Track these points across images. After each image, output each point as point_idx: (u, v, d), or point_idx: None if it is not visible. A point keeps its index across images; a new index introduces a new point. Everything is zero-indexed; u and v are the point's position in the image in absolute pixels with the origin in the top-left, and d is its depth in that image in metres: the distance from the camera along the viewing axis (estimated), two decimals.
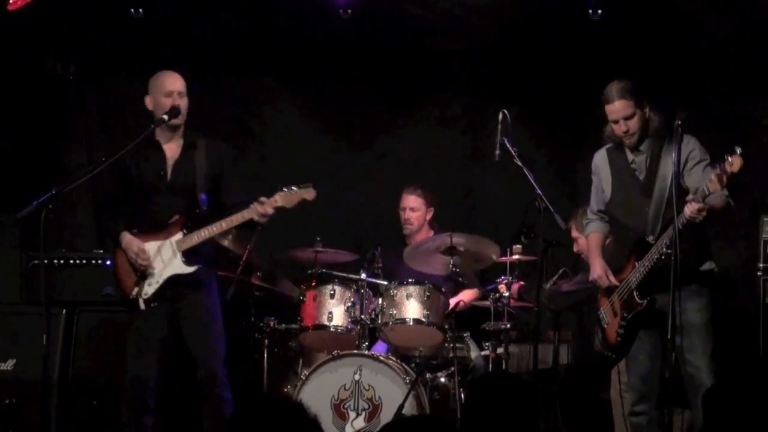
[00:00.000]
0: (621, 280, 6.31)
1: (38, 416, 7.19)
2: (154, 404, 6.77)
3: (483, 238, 7.75)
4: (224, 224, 6.68)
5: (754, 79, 8.39)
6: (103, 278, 8.11)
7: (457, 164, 9.19)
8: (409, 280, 7.59)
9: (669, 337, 5.72)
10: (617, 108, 6.30)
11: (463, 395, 7.25)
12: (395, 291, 7.54)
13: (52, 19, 8.64)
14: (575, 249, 7.71)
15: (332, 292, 7.55)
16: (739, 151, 5.67)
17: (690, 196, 5.89)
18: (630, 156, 6.39)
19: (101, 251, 8.30)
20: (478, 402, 4.51)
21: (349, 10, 8.53)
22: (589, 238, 6.67)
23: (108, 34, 8.92)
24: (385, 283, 7.69)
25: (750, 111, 8.57)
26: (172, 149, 6.82)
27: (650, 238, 6.16)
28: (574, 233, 7.62)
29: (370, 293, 7.68)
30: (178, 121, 6.76)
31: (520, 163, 6.78)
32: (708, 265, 6.25)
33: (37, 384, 6.72)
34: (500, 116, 6.86)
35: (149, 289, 6.73)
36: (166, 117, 6.60)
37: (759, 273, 7.54)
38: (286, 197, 6.65)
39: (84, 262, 8.14)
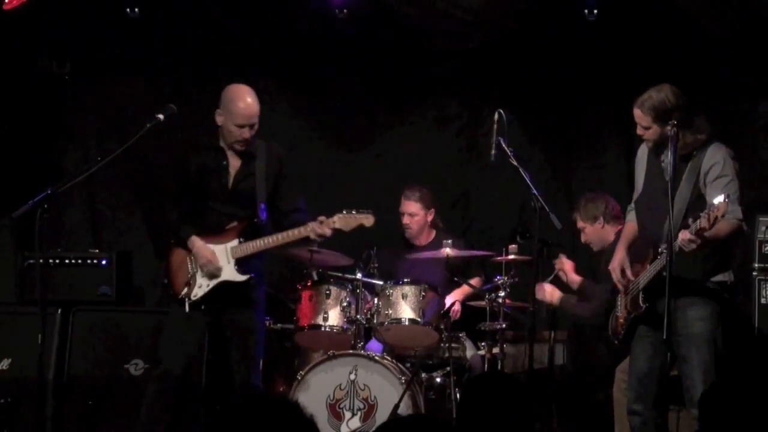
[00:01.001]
0: (636, 275, 6.31)
1: (34, 416, 7.18)
2: (175, 402, 6.81)
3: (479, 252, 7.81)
4: (280, 238, 6.75)
5: (748, 79, 8.39)
6: (98, 278, 8.14)
7: (453, 164, 9.19)
8: (405, 280, 7.60)
9: (665, 338, 5.71)
10: (634, 114, 6.30)
11: (458, 395, 7.25)
12: (391, 291, 7.55)
13: (48, 18, 8.63)
14: (583, 239, 7.68)
15: (328, 291, 7.55)
16: (725, 199, 5.69)
17: (690, 221, 5.89)
18: (663, 155, 6.33)
19: (97, 251, 8.32)
20: (474, 402, 4.51)
21: (345, 11, 8.52)
22: (625, 226, 6.65)
23: (104, 33, 8.91)
24: (381, 282, 7.69)
25: (745, 111, 8.58)
26: (235, 156, 6.87)
27: (662, 247, 6.11)
28: (580, 223, 7.61)
29: (366, 293, 7.69)
30: (243, 148, 6.81)
31: (516, 163, 6.78)
32: (722, 276, 6.18)
33: (33, 384, 6.69)
34: (496, 116, 6.85)
35: (199, 291, 6.77)
36: (161, 117, 6.59)
37: (754, 273, 7.54)
38: (344, 220, 6.76)
39: (79, 261, 8.16)
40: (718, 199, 5.70)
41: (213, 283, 6.77)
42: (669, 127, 5.96)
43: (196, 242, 6.78)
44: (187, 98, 8.76)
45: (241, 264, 6.77)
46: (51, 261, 7.92)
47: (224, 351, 6.88)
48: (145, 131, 6.56)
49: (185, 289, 6.78)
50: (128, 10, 8.58)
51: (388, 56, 9.03)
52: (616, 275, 6.39)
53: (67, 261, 8.13)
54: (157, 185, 7.82)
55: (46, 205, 5.92)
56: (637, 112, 6.26)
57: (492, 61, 8.93)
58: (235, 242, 6.78)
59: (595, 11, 8.25)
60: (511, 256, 7.62)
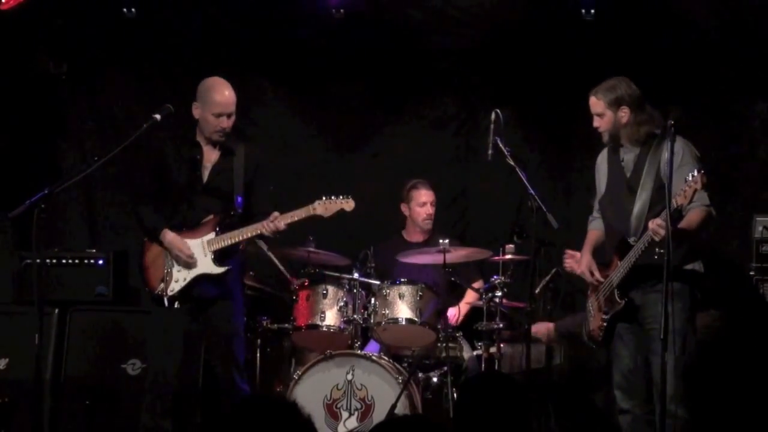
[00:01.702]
0: (605, 276, 6.34)
1: (31, 416, 7.17)
2: (174, 404, 6.82)
3: (475, 249, 7.79)
4: (248, 232, 6.77)
5: (745, 79, 8.40)
6: (95, 278, 8.13)
7: (450, 164, 9.19)
8: (402, 280, 7.60)
9: (662, 336, 5.71)
10: (590, 103, 6.42)
11: (455, 395, 7.25)
12: (388, 291, 7.54)
13: (45, 18, 8.64)
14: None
15: (325, 291, 7.55)
16: (702, 170, 5.73)
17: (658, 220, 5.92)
18: (622, 154, 6.41)
19: (94, 251, 8.31)
20: (471, 402, 4.52)
21: (342, 10, 8.53)
22: (587, 234, 6.69)
23: (101, 34, 8.92)
24: (378, 282, 7.69)
25: (742, 110, 8.59)
26: (211, 152, 6.89)
27: (632, 239, 6.17)
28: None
29: (363, 293, 7.69)
30: (221, 138, 6.84)
31: (512, 163, 6.79)
32: (692, 266, 6.22)
33: (30, 384, 6.69)
34: (493, 116, 6.86)
35: (176, 285, 6.78)
36: (158, 117, 6.59)
37: (752, 273, 7.55)
38: (324, 206, 6.80)
39: (77, 261, 8.15)
40: (692, 173, 5.72)
41: (190, 276, 6.77)
42: (670, 121, 5.95)
43: (167, 235, 6.77)
44: (184, 99, 8.75)
45: (219, 256, 6.77)
46: (48, 261, 7.91)
47: (206, 355, 6.93)
48: (142, 131, 6.56)
49: (161, 285, 6.79)
50: (125, 10, 8.59)
51: (385, 56, 9.03)
52: (588, 277, 6.42)
53: (64, 261, 8.12)
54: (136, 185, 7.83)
55: (43, 205, 5.90)
56: (592, 100, 6.41)
57: (489, 60, 8.93)
58: (211, 235, 6.78)
59: (592, 11, 8.27)
60: (508, 256, 7.62)
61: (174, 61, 9.06)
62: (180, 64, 9.03)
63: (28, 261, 7.94)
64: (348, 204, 6.88)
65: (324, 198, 6.83)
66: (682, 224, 5.93)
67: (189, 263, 6.74)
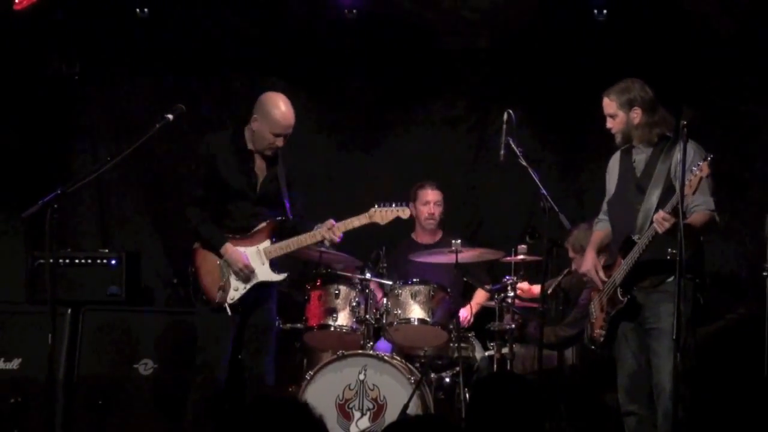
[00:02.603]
0: (609, 276, 6.34)
1: (43, 416, 7.19)
2: (220, 408, 6.92)
3: (487, 250, 7.80)
4: (302, 240, 6.90)
5: (759, 79, 8.38)
6: (108, 278, 8.15)
7: (462, 164, 9.18)
8: (414, 279, 7.60)
9: (674, 337, 5.70)
10: (603, 104, 6.46)
11: (467, 395, 7.25)
12: (400, 291, 7.54)
13: (58, 19, 8.65)
14: (573, 267, 7.66)
15: (337, 291, 7.55)
16: (709, 158, 5.77)
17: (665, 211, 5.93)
18: (634, 155, 6.42)
19: (106, 251, 8.33)
20: (483, 402, 4.52)
21: (354, 10, 8.53)
22: (592, 234, 6.69)
23: (113, 34, 8.93)
24: (390, 282, 7.69)
25: (755, 111, 8.57)
26: (260, 160, 6.97)
27: (636, 237, 6.18)
28: (571, 254, 7.61)
29: (375, 293, 7.69)
30: (273, 154, 6.94)
31: (525, 163, 6.79)
32: (692, 273, 6.18)
33: (43, 384, 6.72)
34: (505, 116, 6.86)
35: (235, 294, 6.86)
36: (171, 117, 6.60)
37: (765, 273, 7.52)
38: (380, 214, 6.94)
39: (89, 261, 8.17)
40: (698, 163, 5.73)
41: (249, 285, 6.88)
42: (683, 122, 5.95)
43: (229, 249, 6.84)
44: (196, 99, 8.78)
45: (275, 264, 6.90)
46: (61, 261, 7.93)
47: (240, 349, 6.99)
48: (155, 131, 6.57)
49: (220, 293, 6.85)
50: (138, 10, 8.60)
51: (397, 56, 9.03)
52: (593, 275, 6.42)
53: (76, 261, 8.14)
54: (177, 186, 7.85)
55: (55, 205, 5.92)
56: (605, 101, 6.45)
57: (501, 61, 8.93)
58: (267, 243, 6.90)
59: (604, 11, 8.26)
60: (521, 257, 7.61)
61: (186, 61, 9.07)
62: (192, 64, 9.05)
63: (41, 261, 7.97)
64: (404, 213, 6.99)
65: (380, 205, 6.95)
66: (687, 221, 5.92)
67: (249, 276, 6.84)
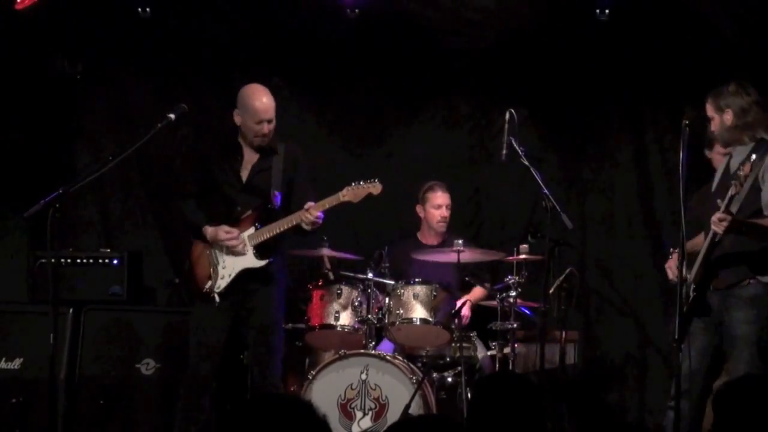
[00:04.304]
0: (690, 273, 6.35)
1: (45, 416, 7.18)
2: (210, 404, 6.98)
3: (489, 251, 7.79)
4: (287, 222, 6.93)
5: (762, 79, 8.37)
6: (110, 277, 8.14)
7: (465, 164, 9.18)
8: (416, 279, 7.59)
9: (677, 337, 5.70)
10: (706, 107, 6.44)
11: (469, 395, 7.24)
12: (402, 290, 7.54)
13: (60, 18, 8.64)
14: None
15: (339, 291, 7.55)
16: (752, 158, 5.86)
17: (718, 201, 5.95)
18: (733, 157, 6.46)
19: (108, 250, 8.32)
20: (485, 402, 4.51)
21: (356, 10, 8.53)
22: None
23: (115, 33, 8.92)
24: (392, 282, 7.69)
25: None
26: (251, 153, 7.08)
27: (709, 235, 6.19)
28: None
29: (377, 293, 7.69)
30: (263, 143, 7.03)
31: (527, 163, 6.78)
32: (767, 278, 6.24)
33: (44, 383, 6.71)
34: (507, 116, 6.85)
35: (222, 282, 6.95)
36: (173, 116, 6.62)
37: None
38: (353, 192, 6.94)
39: (91, 261, 8.17)
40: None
41: (235, 272, 6.95)
42: (685, 121, 5.96)
43: (208, 229, 6.96)
44: (198, 98, 8.78)
45: (260, 250, 6.94)
46: (63, 261, 7.93)
47: (243, 348, 7.12)
48: (157, 131, 6.58)
49: (209, 283, 6.96)
50: (140, 10, 8.59)
51: (400, 56, 9.02)
52: (671, 272, 6.46)
53: (78, 261, 8.14)
54: (173, 181, 7.86)
55: (57, 205, 5.92)
56: (707, 104, 6.43)
57: (503, 61, 8.92)
58: (251, 230, 6.97)
59: (607, 11, 8.25)
60: (523, 256, 7.61)
61: (188, 60, 9.07)
62: (194, 63, 9.05)
63: (43, 260, 7.96)
64: (375, 188, 7.00)
65: (353, 184, 6.95)
66: (760, 221, 5.93)
67: (236, 251, 6.91)
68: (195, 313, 7.09)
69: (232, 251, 6.94)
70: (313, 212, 6.84)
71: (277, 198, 7.01)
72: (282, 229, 6.92)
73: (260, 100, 6.99)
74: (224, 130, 7.24)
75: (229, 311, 6.98)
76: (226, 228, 6.93)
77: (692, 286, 6.25)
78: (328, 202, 6.93)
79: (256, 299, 6.98)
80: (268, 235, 6.93)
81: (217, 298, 6.93)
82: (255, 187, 7.05)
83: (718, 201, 6.07)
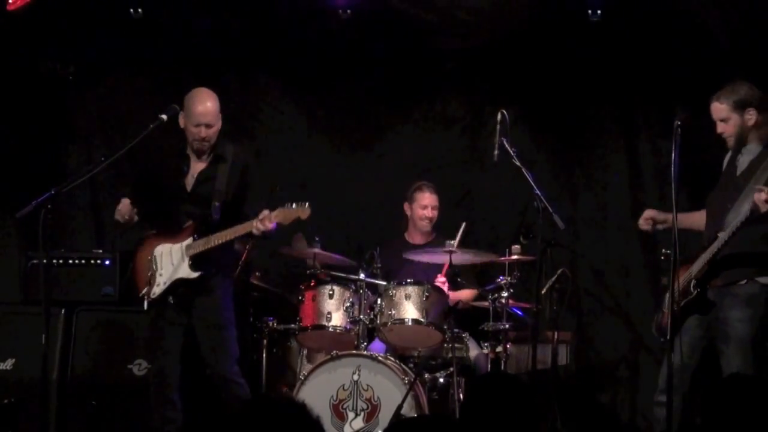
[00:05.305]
0: (687, 269, 6.36)
1: (37, 416, 7.17)
2: (179, 398, 6.98)
3: (481, 252, 7.79)
4: (229, 234, 6.85)
5: (754, 80, 8.38)
6: (102, 278, 8.14)
7: (456, 164, 9.17)
8: (408, 280, 7.59)
9: (669, 337, 5.71)
10: (711, 109, 6.38)
11: (461, 395, 7.25)
12: (394, 291, 7.54)
13: (52, 19, 8.64)
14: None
15: (331, 292, 7.55)
16: None
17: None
18: (740, 156, 6.41)
19: (100, 251, 8.32)
20: (477, 403, 4.51)
21: (349, 11, 8.53)
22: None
23: (107, 34, 8.92)
24: (384, 283, 7.69)
25: None
26: (198, 161, 7.04)
27: (721, 234, 6.18)
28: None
29: (369, 293, 7.69)
30: (203, 147, 6.96)
31: (518, 164, 6.79)
32: (766, 279, 6.25)
33: (36, 384, 6.72)
34: (499, 116, 6.87)
35: (156, 289, 6.94)
36: (165, 117, 6.63)
37: None
38: (283, 214, 6.80)
39: (83, 262, 8.16)
40: None
41: (170, 281, 6.93)
42: (677, 122, 5.97)
43: (122, 202, 7.01)
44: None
45: (196, 261, 6.89)
46: (55, 261, 7.91)
47: (197, 346, 7.03)
48: (149, 132, 6.58)
49: (146, 288, 6.98)
50: (131, 10, 8.59)
51: (391, 56, 9.03)
52: (644, 216, 6.54)
53: (70, 261, 8.14)
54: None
55: (49, 206, 5.92)
56: (714, 106, 6.36)
57: (495, 61, 8.92)
58: (189, 240, 6.93)
59: (599, 11, 8.26)
60: (515, 257, 7.61)
61: (181, 61, 9.06)
62: (187, 64, 9.04)
63: (35, 261, 7.96)
64: (304, 213, 6.83)
65: (286, 205, 6.82)
66: None
67: (127, 219, 7.00)
68: (150, 316, 7.06)
69: (171, 260, 6.93)
70: (267, 224, 6.75)
71: (216, 210, 6.94)
72: (224, 240, 6.86)
73: (202, 103, 6.91)
74: (175, 140, 7.13)
75: (181, 312, 6.96)
76: (123, 202, 6.97)
77: (693, 282, 6.26)
78: (275, 215, 6.78)
79: (199, 307, 6.94)
80: (204, 247, 6.87)
81: (145, 305, 6.96)
82: (198, 196, 7.00)
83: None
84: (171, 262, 6.93)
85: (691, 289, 6.25)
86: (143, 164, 7.18)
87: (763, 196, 5.87)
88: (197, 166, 7.02)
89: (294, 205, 6.80)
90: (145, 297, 6.97)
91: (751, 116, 6.28)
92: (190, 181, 7.00)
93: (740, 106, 6.29)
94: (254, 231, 6.78)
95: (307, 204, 6.82)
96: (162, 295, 6.92)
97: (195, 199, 6.99)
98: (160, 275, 6.95)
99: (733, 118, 6.30)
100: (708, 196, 6.58)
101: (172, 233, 6.97)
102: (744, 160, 6.37)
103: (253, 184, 7.09)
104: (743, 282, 6.18)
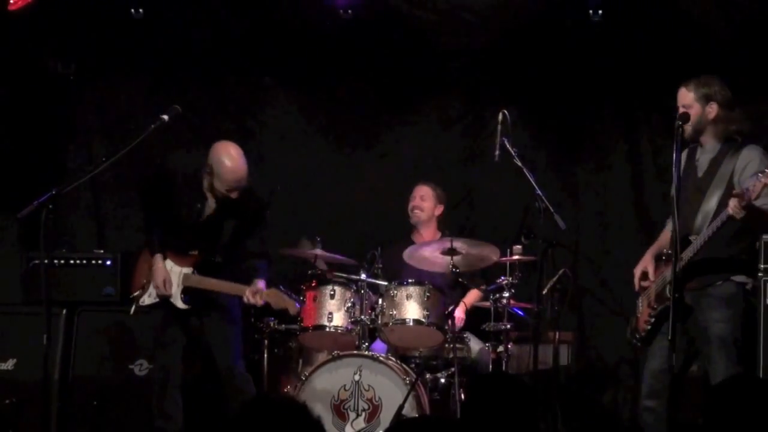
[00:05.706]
0: (659, 274, 6.34)
1: (38, 416, 7.18)
2: (181, 396, 7.05)
3: (482, 242, 7.76)
4: (223, 287, 7.01)
5: (754, 80, 8.38)
6: (103, 278, 8.14)
7: (457, 165, 9.18)
8: (410, 280, 7.59)
9: (670, 338, 5.71)
10: (678, 94, 6.37)
11: (462, 396, 7.24)
12: (395, 291, 7.54)
13: (53, 18, 8.64)
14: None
15: (332, 292, 7.55)
16: None
17: (736, 191, 5.91)
18: (698, 154, 6.39)
19: (101, 251, 8.32)
20: (478, 403, 4.51)
21: (350, 11, 8.53)
22: (661, 234, 6.69)
23: (108, 34, 8.92)
24: (385, 283, 7.69)
25: (751, 111, 8.55)
26: (214, 200, 7.09)
27: (692, 237, 6.17)
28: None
29: (370, 294, 7.68)
30: (234, 196, 6.99)
31: (520, 164, 6.79)
32: (742, 278, 6.25)
33: (38, 384, 6.73)
34: (500, 117, 6.86)
35: (148, 299, 7.07)
36: (166, 118, 6.62)
37: (760, 274, 7.52)
38: (275, 297, 6.99)
39: (84, 262, 8.17)
40: (764, 169, 5.73)
41: (160, 299, 7.04)
42: (677, 122, 5.97)
43: (158, 263, 7.00)
44: (192, 99, 8.77)
45: (187, 293, 7.00)
46: (56, 261, 7.92)
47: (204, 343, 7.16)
48: (150, 132, 6.57)
49: (138, 292, 7.09)
50: (133, 10, 8.59)
51: (393, 56, 9.03)
52: (636, 278, 6.43)
53: (71, 261, 8.14)
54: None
55: (50, 206, 5.91)
56: (681, 91, 6.33)
57: (497, 61, 8.92)
58: (189, 270, 7.02)
59: (600, 12, 8.25)
60: (516, 257, 7.61)
61: (182, 61, 9.07)
62: (188, 63, 9.05)
63: (36, 261, 7.96)
64: (292, 308, 7.04)
65: (281, 287, 7.10)
66: (759, 204, 5.91)
67: (163, 293, 6.97)
68: (152, 315, 7.18)
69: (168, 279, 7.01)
70: (257, 299, 6.92)
71: (220, 253, 7.08)
72: (218, 290, 7.00)
73: (231, 168, 6.91)
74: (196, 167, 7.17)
75: (183, 311, 7.06)
76: (166, 278, 6.97)
77: (668, 288, 6.25)
78: (267, 294, 6.94)
79: (212, 305, 7.08)
80: (197, 285, 6.99)
81: (132, 309, 7.08)
82: (206, 233, 7.08)
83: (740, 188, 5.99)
84: (167, 281, 7.01)
85: (668, 294, 6.23)
86: (170, 187, 7.17)
87: (737, 203, 5.87)
88: (211, 205, 7.09)
89: (287, 296, 7.02)
90: (135, 301, 7.06)
91: (712, 110, 6.28)
92: (201, 218, 7.08)
93: (705, 99, 6.28)
94: (243, 299, 6.97)
95: (298, 304, 7.10)
96: (150, 307, 7.04)
97: (203, 236, 7.08)
98: (155, 288, 7.03)
99: (695, 107, 6.29)
100: (669, 195, 6.53)
101: (177, 254, 7.05)
102: (704, 159, 6.35)
103: (261, 228, 7.20)
104: (719, 283, 6.16)
